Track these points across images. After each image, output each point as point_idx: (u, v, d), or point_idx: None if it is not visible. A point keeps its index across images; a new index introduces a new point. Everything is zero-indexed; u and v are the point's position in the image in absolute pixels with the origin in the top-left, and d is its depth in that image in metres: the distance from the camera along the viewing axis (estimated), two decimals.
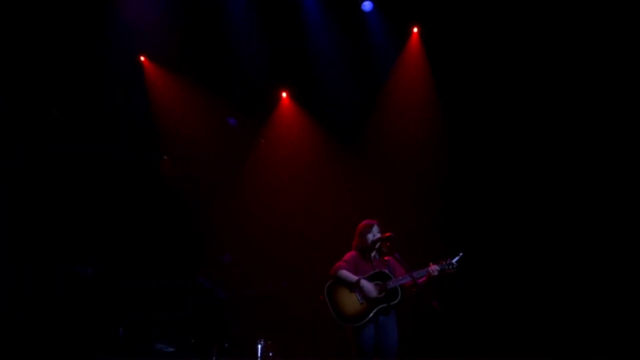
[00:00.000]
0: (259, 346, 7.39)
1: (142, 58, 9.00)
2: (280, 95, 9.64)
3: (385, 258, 6.14)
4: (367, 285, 5.88)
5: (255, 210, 9.11)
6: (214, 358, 7.46)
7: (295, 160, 9.34)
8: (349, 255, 6.16)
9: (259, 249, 8.84)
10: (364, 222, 6.25)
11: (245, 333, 7.92)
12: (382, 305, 5.84)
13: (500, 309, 7.98)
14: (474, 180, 8.33)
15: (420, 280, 5.81)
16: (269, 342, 7.48)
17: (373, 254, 6.15)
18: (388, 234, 5.99)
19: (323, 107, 9.17)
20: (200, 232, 8.94)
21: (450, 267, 5.95)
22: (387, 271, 5.98)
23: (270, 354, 7.44)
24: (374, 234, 6.12)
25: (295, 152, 9.40)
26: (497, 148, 8.34)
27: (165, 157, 9.53)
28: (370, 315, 5.82)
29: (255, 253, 8.83)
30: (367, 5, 8.96)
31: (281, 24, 8.63)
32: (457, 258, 6.01)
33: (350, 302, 5.89)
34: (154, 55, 8.96)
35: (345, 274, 5.95)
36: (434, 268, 5.87)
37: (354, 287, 5.89)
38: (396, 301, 5.86)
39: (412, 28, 9.01)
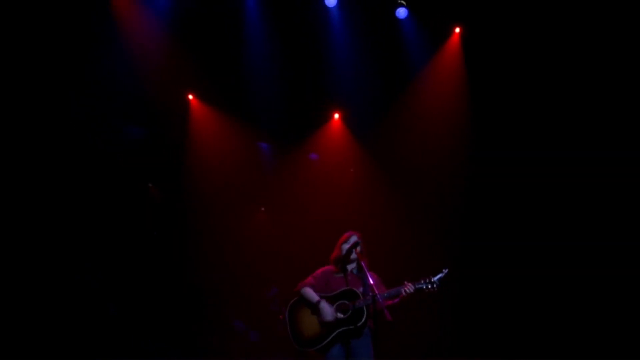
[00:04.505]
0: None
1: (190, 96, 9.30)
2: (332, 116, 9.49)
3: (370, 273, 5.46)
4: (326, 309, 5.43)
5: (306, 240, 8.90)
6: None
7: (344, 180, 9.14)
8: (321, 270, 5.79)
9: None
10: (345, 234, 5.83)
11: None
12: (343, 328, 5.35)
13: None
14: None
15: (390, 302, 5.28)
16: None
17: (351, 267, 5.69)
18: (355, 241, 5.53)
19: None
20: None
21: (431, 286, 5.30)
22: (359, 290, 5.46)
23: None
24: (349, 243, 5.64)
25: (345, 175, 9.19)
26: (525, 162, 7.78)
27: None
28: (329, 339, 5.36)
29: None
30: (401, 12, 8.50)
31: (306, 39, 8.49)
32: (439, 275, 5.37)
33: (310, 323, 5.49)
34: (198, 93, 9.20)
35: (308, 292, 5.56)
36: (407, 289, 5.26)
37: (314, 308, 5.48)
38: (360, 323, 5.31)
39: (454, 28, 8.52)
